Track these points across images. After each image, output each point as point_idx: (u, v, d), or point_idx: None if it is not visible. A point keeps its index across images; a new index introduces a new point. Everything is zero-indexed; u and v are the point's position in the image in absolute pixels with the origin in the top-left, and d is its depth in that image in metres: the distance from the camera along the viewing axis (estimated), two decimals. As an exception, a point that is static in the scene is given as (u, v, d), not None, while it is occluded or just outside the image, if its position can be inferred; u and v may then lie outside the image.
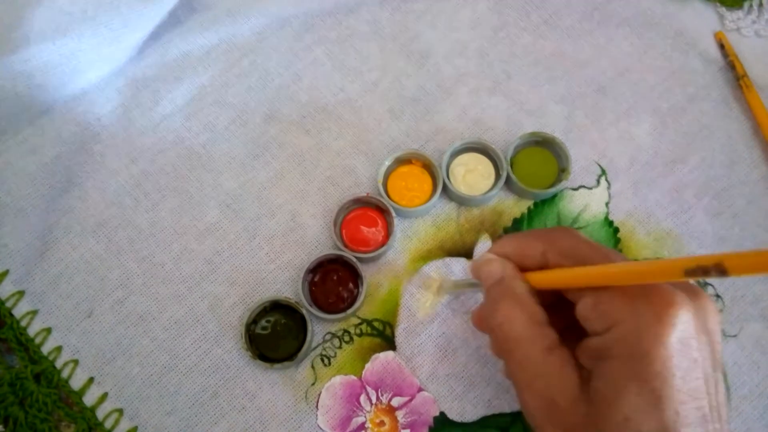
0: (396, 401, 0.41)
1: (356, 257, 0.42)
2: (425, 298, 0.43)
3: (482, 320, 0.35)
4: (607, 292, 0.28)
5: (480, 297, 0.42)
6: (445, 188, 0.44)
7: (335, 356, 0.42)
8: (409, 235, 0.44)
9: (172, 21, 0.48)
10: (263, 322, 0.42)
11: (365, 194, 0.44)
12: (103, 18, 0.44)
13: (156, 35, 0.48)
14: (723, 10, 0.50)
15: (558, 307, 0.32)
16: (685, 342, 0.27)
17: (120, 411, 0.41)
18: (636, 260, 0.29)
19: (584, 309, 0.29)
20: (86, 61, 0.45)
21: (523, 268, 0.33)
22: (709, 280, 0.43)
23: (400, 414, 0.41)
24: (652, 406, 0.26)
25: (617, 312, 0.28)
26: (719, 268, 0.23)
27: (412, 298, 0.43)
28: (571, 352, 0.30)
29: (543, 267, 0.32)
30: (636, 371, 0.26)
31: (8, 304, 0.42)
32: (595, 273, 0.29)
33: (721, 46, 0.49)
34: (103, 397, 0.41)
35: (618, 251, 0.31)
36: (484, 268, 0.33)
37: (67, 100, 0.46)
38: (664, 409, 0.26)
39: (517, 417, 0.41)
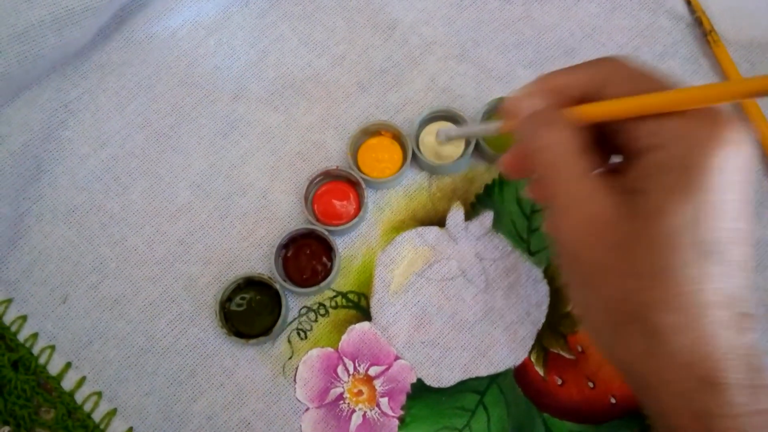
0: (373, 371, 0.41)
1: (328, 230, 0.42)
2: (398, 272, 0.43)
3: (518, 158, 0.33)
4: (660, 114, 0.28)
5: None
6: (415, 158, 0.44)
7: (311, 330, 0.42)
8: (381, 207, 0.44)
9: (136, 3, 0.48)
10: (238, 299, 0.42)
11: (335, 167, 0.43)
12: (63, 2, 0.44)
13: (120, 18, 0.48)
14: (689, -34, 0.49)
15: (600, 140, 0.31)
16: (737, 159, 0.26)
17: (99, 394, 0.41)
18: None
19: (631, 129, 0.28)
20: (49, 47, 0.45)
21: (567, 103, 0.31)
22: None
23: (377, 383, 0.41)
24: (699, 219, 0.26)
25: (668, 130, 0.27)
26: None
27: (385, 269, 0.43)
28: (613, 179, 0.29)
29: (596, 98, 0.30)
30: (687, 182, 0.26)
31: (-17, 294, 0.43)
32: (652, 101, 0.28)
33: (688, 3, 0.48)
34: (81, 381, 0.41)
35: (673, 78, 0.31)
36: (526, 101, 0.31)
37: (31, 88, 0.46)
38: (717, 224, 0.26)
39: (493, 380, 0.41)
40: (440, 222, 0.44)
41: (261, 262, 0.43)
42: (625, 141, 0.29)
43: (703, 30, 0.47)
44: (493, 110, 0.45)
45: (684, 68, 0.47)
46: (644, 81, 0.29)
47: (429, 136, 0.44)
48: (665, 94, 0.28)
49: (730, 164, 0.26)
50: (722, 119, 0.27)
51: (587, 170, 0.29)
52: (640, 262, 0.26)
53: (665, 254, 0.26)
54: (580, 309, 0.31)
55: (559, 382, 0.41)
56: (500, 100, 0.44)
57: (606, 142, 0.31)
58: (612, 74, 0.30)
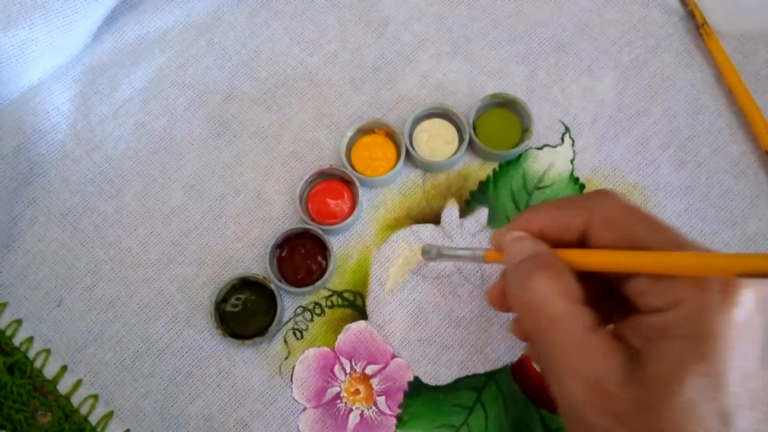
0: (370, 369, 0.41)
1: (323, 230, 0.42)
2: (393, 270, 0.43)
3: (506, 298, 0.31)
4: None
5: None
6: (408, 155, 0.44)
7: (307, 329, 0.42)
8: (376, 205, 0.44)
9: (126, 5, 0.48)
10: (233, 300, 0.42)
11: (328, 166, 0.43)
12: (53, 5, 0.44)
13: (110, 20, 0.47)
14: (681, -41, 0.49)
15: (587, 281, 0.29)
16: (747, 323, 0.25)
17: (95, 397, 0.41)
18: (687, 248, 0.27)
19: (641, 284, 0.27)
20: (40, 50, 0.45)
21: (558, 244, 0.30)
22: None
23: (374, 381, 0.41)
24: (714, 388, 0.24)
25: (680, 289, 0.26)
26: None
27: (381, 267, 0.43)
28: (612, 332, 0.28)
29: (582, 243, 0.30)
30: (699, 351, 0.25)
31: (-23, 299, 0.42)
32: (645, 261, 0.27)
33: (681, -4, 0.48)
34: (78, 384, 0.41)
35: (662, 222, 0.29)
36: (515, 245, 0.30)
37: (23, 91, 0.46)
38: (724, 393, 0.24)
39: (490, 377, 0.41)
40: (435, 219, 0.44)
41: (256, 263, 0.43)
42: (628, 293, 0.28)
43: (695, 23, 0.47)
44: (486, 107, 0.45)
45: (678, 62, 0.46)
46: (636, 225, 0.28)
47: (422, 134, 0.44)
48: (664, 257, 0.27)
49: (741, 330, 0.25)
50: (731, 282, 0.25)
51: (590, 324, 0.27)
52: None
53: (675, 428, 0.25)
54: None
55: (556, 377, 0.41)
56: (494, 96, 0.44)
57: (608, 288, 0.30)
58: (602, 215, 0.29)
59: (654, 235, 0.28)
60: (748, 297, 0.25)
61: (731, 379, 0.25)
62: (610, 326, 0.29)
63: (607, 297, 0.31)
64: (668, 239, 0.28)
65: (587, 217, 0.29)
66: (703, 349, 0.25)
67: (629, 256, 0.28)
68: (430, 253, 0.37)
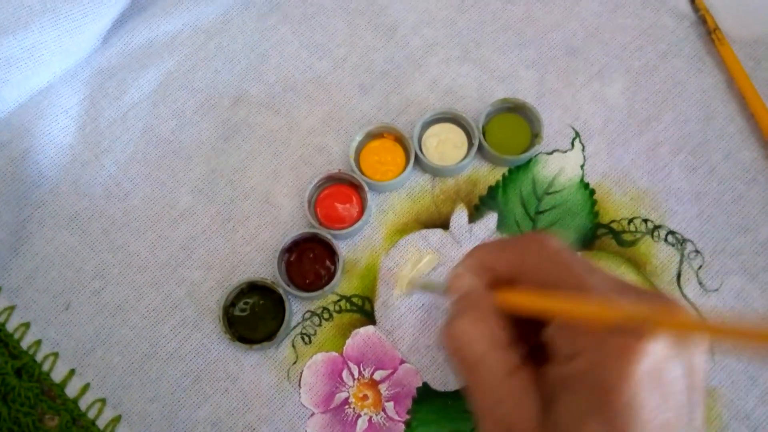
0: (378, 375, 0.41)
1: (331, 234, 0.42)
2: (402, 276, 0.42)
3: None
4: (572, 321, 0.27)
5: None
6: (418, 160, 0.44)
7: (315, 334, 0.42)
8: (385, 210, 0.44)
9: (135, 8, 0.48)
10: (241, 304, 0.41)
11: (337, 171, 0.43)
12: (63, 9, 0.44)
13: (119, 23, 0.47)
14: (692, -37, 0.49)
15: (534, 323, 0.30)
16: (655, 374, 0.24)
17: (103, 401, 0.41)
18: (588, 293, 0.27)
19: (549, 333, 0.28)
20: (49, 54, 0.45)
21: (498, 282, 0.31)
22: (687, 237, 0.43)
23: (383, 387, 0.41)
24: None
25: (581, 341, 0.26)
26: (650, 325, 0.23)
27: (389, 273, 0.43)
28: (534, 376, 0.28)
29: (513, 282, 0.30)
30: (598, 406, 0.24)
31: (-15, 302, 0.42)
32: (540, 302, 0.28)
33: (692, 1, 0.48)
34: (85, 387, 0.41)
35: (592, 265, 0.29)
36: (454, 282, 0.31)
37: (33, 94, 0.46)
38: None
39: (499, 384, 0.41)
40: (444, 224, 0.44)
41: (264, 267, 0.43)
42: (545, 338, 0.28)
43: (707, 28, 0.47)
44: (496, 112, 0.45)
45: (689, 67, 0.46)
46: (556, 271, 0.28)
47: (432, 138, 0.44)
48: (560, 302, 0.27)
49: (646, 382, 0.24)
50: (632, 333, 0.25)
51: (509, 368, 0.28)
52: None
53: None
54: None
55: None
56: (503, 100, 0.44)
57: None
58: (531, 259, 0.29)
59: (568, 279, 0.28)
60: (655, 349, 0.24)
61: None
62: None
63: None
64: (579, 284, 0.27)
65: (514, 260, 0.30)
66: (601, 404, 0.24)
67: (524, 296, 0.28)
68: (414, 287, 0.40)
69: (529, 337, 0.29)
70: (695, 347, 0.26)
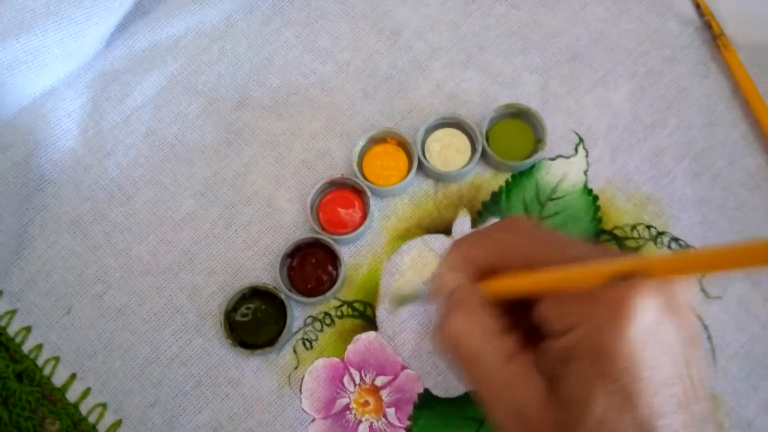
0: (380, 381, 0.41)
1: (334, 239, 0.42)
2: (403, 278, 0.42)
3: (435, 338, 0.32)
4: (562, 293, 0.27)
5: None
6: (421, 165, 0.44)
7: (317, 339, 0.42)
8: (387, 215, 0.44)
9: (138, 11, 0.48)
10: (243, 309, 0.41)
11: (340, 175, 0.43)
12: (66, 12, 0.44)
13: (122, 27, 0.47)
14: (697, -31, 0.49)
15: (525, 307, 0.30)
16: (651, 329, 0.25)
17: (104, 405, 0.41)
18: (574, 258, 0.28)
19: (540, 312, 0.28)
20: (52, 57, 0.45)
21: (481, 273, 0.31)
22: (690, 243, 0.43)
23: (384, 393, 0.40)
24: (624, 403, 0.25)
25: (573, 313, 0.27)
26: (639, 274, 0.23)
27: (391, 278, 0.42)
28: (532, 357, 0.28)
29: (495, 270, 0.30)
30: (602, 370, 0.25)
31: (-13, 305, 0.42)
32: (527, 280, 0.28)
33: (697, 6, 0.48)
34: (86, 392, 0.41)
35: (568, 237, 0.30)
36: (437, 284, 0.32)
37: (36, 97, 0.46)
38: (636, 405, 0.25)
39: (501, 391, 0.40)
40: (447, 230, 0.43)
41: (266, 272, 0.43)
42: (536, 320, 0.28)
43: (712, 34, 0.46)
44: (499, 117, 0.44)
45: (694, 72, 0.46)
46: (537, 248, 0.29)
47: (435, 144, 0.44)
48: (536, 275, 0.28)
49: (642, 341, 0.25)
50: (621, 297, 0.25)
51: (507, 354, 0.28)
52: None
53: None
54: None
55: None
56: (507, 106, 0.44)
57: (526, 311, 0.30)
58: (509, 243, 0.30)
59: (550, 254, 0.29)
60: (645, 307, 0.25)
61: (643, 390, 0.25)
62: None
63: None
64: (559, 255, 0.28)
65: (492, 249, 0.31)
66: (603, 368, 0.25)
67: (513, 280, 0.29)
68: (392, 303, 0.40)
69: (521, 322, 0.30)
70: (682, 294, 0.27)
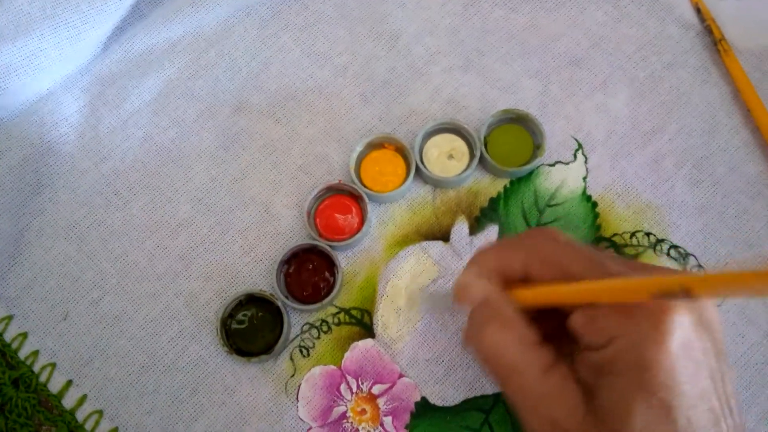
0: (377, 389, 0.41)
1: (331, 246, 0.42)
2: (406, 289, 0.42)
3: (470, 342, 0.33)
4: (596, 306, 0.27)
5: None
6: (418, 171, 0.43)
7: (314, 347, 0.41)
8: (385, 221, 0.44)
9: (135, 15, 0.47)
10: (239, 316, 0.41)
11: (337, 181, 0.43)
12: (62, 16, 0.43)
13: (119, 31, 0.47)
14: (698, -27, 0.48)
15: (549, 312, 0.30)
16: (687, 345, 0.26)
17: (100, 412, 0.41)
18: (611, 273, 0.28)
19: (577, 324, 0.28)
20: (49, 61, 0.44)
21: (509, 281, 0.31)
22: (690, 251, 0.42)
23: (381, 401, 0.40)
24: (664, 417, 0.25)
25: (613, 326, 0.27)
26: (685, 292, 0.23)
27: (389, 284, 0.42)
28: (569, 367, 0.29)
29: (527, 278, 0.30)
30: (642, 384, 0.26)
31: (-17, 311, 0.42)
32: (568, 291, 0.28)
33: (698, 10, 0.47)
34: (83, 399, 0.41)
35: (603, 250, 0.30)
36: (466, 292, 0.32)
37: (32, 102, 0.46)
38: (675, 419, 0.25)
39: (498, 398, 0.40)
40: (444, 236, 0.43)
41: (262, 278, 0.43)
42: (572, 331, 0.28)
43: (713, 38, 0.46)
44: (498, 122, 0.44)
45: (694, 78, 0.46)
46: (570, 261, 0.29)
47: (433, 149, 0.44)
48: (578, 287, 0.28)
49: (681, 355, 0.25)
50: (661, 311, 0.26)
51: (545, 365, 0.28)
52: None
53: None
54: None
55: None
56: (505, 111, 0.44)
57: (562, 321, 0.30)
58: (539, 253, 0.30)
59: (586, 268, 0.29)
60: (682, 321, 0.26)
61: (681, 404, 0.25)
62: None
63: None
64: (598, 271, 0.28)
65: (526, 258, 0.30)
66: (643, 382, 0.26)
67: (553, 289, 0.29)
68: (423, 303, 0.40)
69: (549, 327, 0.30)
70: (710, 310, 0.27)
